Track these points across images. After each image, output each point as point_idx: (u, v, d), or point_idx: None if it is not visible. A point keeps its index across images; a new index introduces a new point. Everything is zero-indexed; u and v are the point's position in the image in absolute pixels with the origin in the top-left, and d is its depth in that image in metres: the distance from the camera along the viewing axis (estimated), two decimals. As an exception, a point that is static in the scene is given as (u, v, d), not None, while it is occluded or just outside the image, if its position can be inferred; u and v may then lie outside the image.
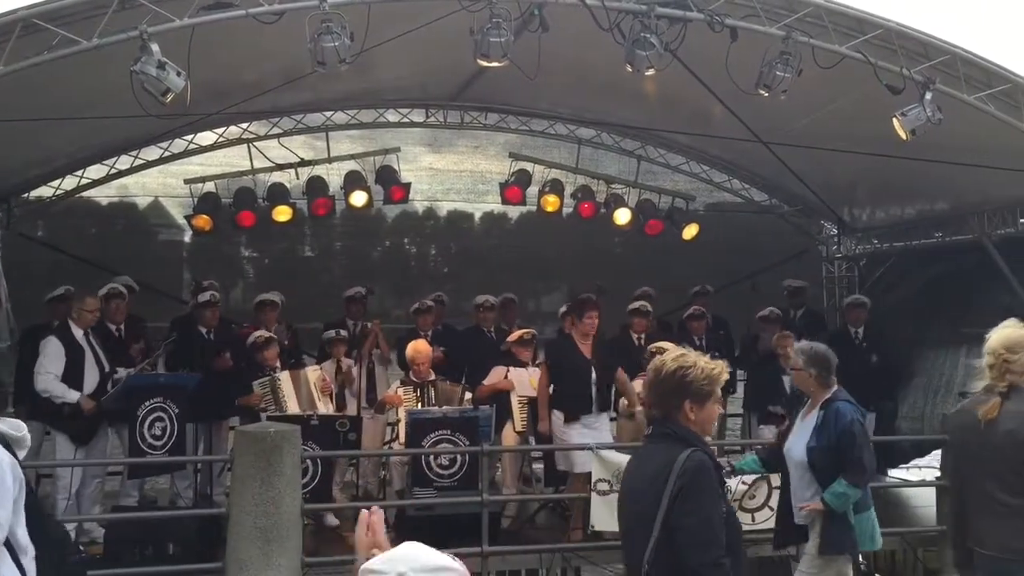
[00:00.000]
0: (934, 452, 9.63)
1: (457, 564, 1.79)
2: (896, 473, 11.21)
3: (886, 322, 10.74)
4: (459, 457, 7.73)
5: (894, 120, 7.45)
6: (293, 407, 8.23)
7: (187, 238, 11.95)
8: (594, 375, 7.90)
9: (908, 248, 11.83)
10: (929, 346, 11.29)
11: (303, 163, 11.39)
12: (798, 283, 11.30)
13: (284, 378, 8.37)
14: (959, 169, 8.54)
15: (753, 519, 7.59)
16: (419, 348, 8.63)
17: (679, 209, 12.30)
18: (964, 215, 10.50)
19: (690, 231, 12.03)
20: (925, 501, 8.95)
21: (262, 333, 8.70)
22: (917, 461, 10.91)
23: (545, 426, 8.05)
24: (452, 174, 12.49)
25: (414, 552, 1.81)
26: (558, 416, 8.02)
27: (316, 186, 11.21)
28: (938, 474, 8.30)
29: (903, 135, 7.50)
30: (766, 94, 7.38)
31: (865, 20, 7.43)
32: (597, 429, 7.95)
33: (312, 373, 8.59)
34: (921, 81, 7.32)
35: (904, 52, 7.47)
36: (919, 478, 10.34)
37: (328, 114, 11.36)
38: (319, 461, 7.75)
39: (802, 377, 5.51)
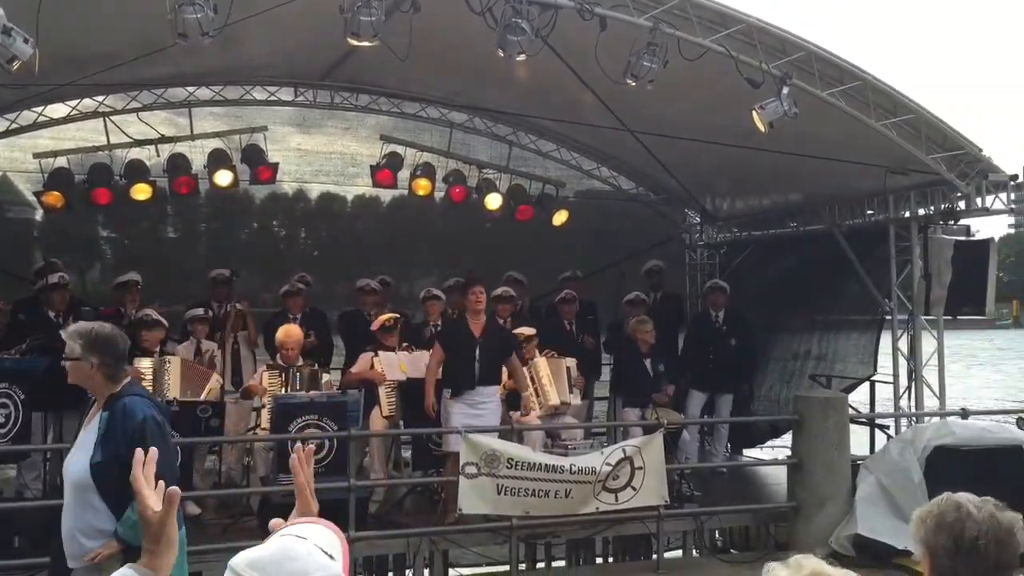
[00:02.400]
0: (787, 433, 10.06)
1: (336, 562, 1.73)
2: (751, 452, 11.73)
3: (745, 308, 11.17)
4: (326, 442, 7.63)
5: (753, 113, 7.74)
6: (174, 394, 7.97)
7: (38, 216, 11.31)
8: (478, 352, 7.89)
9: (765, 237, 12.35)
10: (784, 331, 11.83)
11: (164, 139, 10.94)
12: (656, 264, 11.59)
13: (175, 363, 8.12)
14: (812, 162, 8.95)
15: (616, 499, 7.80)
16: (290, 332, 8.47)
17: (549, 195, 12.45)
18: (816, 206, 11.03)
19: (560, 217, 12.20)
20: (777, 479, 9.39)
21: (150, 313, 8.44)
22: (772, 441, 11.45)
23: (429, 403, 7.97)
24: (322, 156, 12.25)
25: (288, 555, 1.66)
26: (447, 392, 8.00)
27: (178, 164, 10.80)
28: (789, 453, 8.70)
29: (761, 127, 7.81)
30: (633, 84, 7.54)
31: (728, 15, 7.68)
32: (481, 408, 7.92)
33: (215, 381, 8.38)
34: (779, 76, 7.63)
35: (763, 47, 7.77)
36: (772, 457, 10.86)
37: (191, 89, 10.94)
38: (178, 448, 7.51)
39: (82, 369, 4.12)
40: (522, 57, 7.17)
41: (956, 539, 2.58)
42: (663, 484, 7.97)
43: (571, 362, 9.37)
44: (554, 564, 9.01)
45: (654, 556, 8.19)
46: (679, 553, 8.78)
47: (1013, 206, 9.40)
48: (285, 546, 1.70)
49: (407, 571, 8.20)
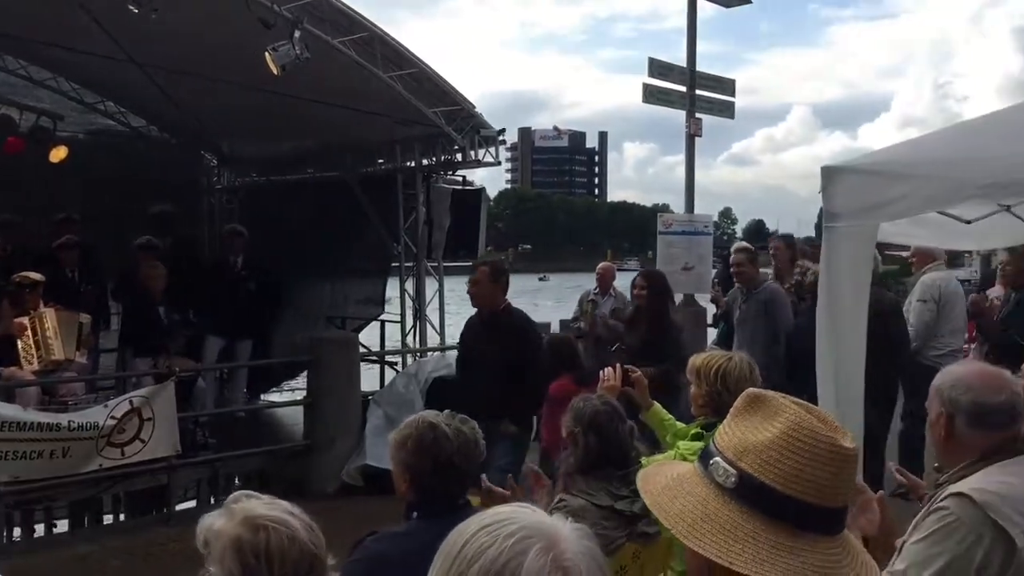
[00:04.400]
0: (303, 374, 10.30)
1: None
2: (268, 396, 11.84)
3: (265, 253, 11.13)
4: None
5: (266, 54, 7.67)
6: None
7: None
8: None
9: (284, 182, 12.38)
10: (303, 275, 12.03)
11: None
12: (163, 208, 10.99)
13: None
14: (329, 109, 9.14)
15: (123, 453, 7.41)
16: None
17: (45, 128, 11.15)
18: (332, 154, 11.31)
19: (58, 154, 11.01)
20: (295, 420, 9.58)
21: None
22: (289, 383, 11.65)
23: None
24: None
25: None
26: None
27: None
28: (305, 394, 8.93)
29: (274, 70, 7.77)
30: (136, 10, 7.06)
31: (236, -50, 7.49)
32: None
33: None
34: (291, 19, 7.64)
35: (276, -12, 7.72)
36: (290, 399, 11.06)
37: None
38: None
39: None
40: (0, -34, 6.32)
41: (435, 459, 2.87)
42: (174, 434, 7.72)
43: (87, 318, 8.63)
44: (56, 530, 8.31)
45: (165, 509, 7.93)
46: (195, 503, 8.60)
47: (509, 163, 10.50)
48: None
49: None
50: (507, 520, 1.21)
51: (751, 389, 1.61)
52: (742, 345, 6.69)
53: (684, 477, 1.59)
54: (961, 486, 2.54)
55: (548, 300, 38.22)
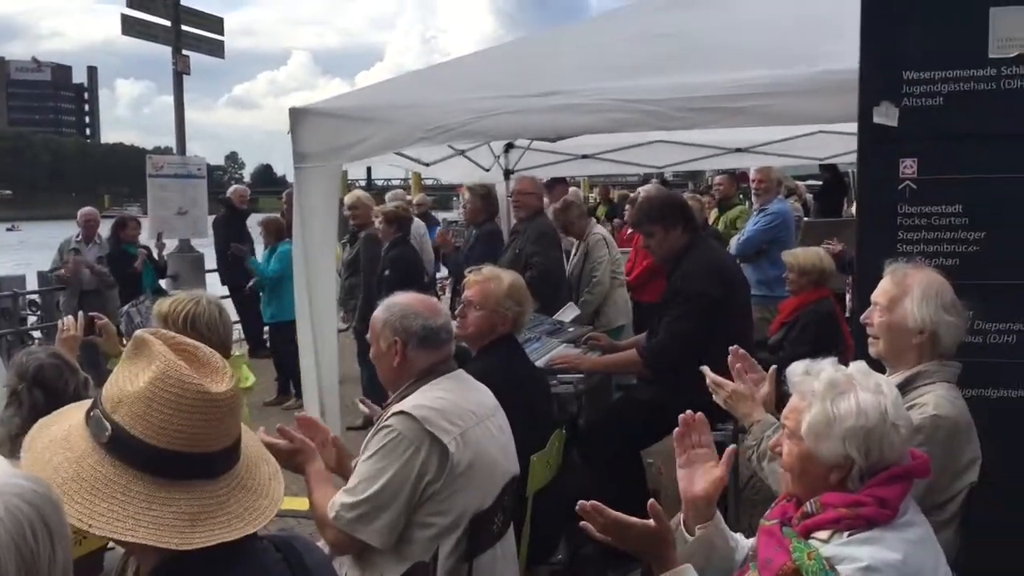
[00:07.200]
0: None
1: None
2: None
3: None
4: None
5: None
6: None
7: None
8: None
9: None
10: None
11: None
12: None
13: None
14: None
15: None
16: None
17: None
18: None
19: None
20: None
21: None
22: None
23: None
24: None
25: None
26: None
27: None
28: None
29: None
30: None
31: None
32: None
33: None
34: None
35: None
36: None
37: None
38: None
39: None
40: None
41: None
42: None
43: None
44: None
45: None
46: None
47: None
48: None
49: None
50: None
51: (139, 332, 1.53)
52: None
53: (72, 430, 1.50)
54: (403, 405, 2.79)
55: (27, 252, 34.20)
